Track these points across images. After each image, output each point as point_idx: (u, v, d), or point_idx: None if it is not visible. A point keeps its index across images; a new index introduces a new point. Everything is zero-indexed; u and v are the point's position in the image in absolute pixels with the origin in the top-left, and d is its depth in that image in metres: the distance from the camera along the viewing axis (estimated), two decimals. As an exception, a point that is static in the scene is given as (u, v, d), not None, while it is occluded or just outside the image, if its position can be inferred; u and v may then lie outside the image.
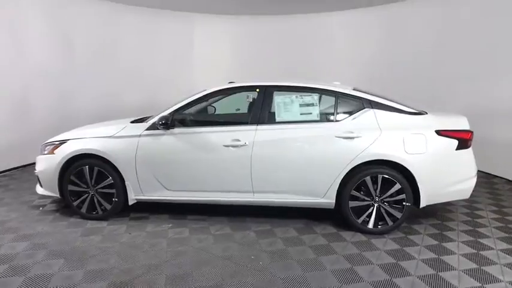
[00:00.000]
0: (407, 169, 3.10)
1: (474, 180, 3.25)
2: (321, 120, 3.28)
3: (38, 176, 3.63)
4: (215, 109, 4.16)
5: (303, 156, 3.20)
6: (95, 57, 6.66)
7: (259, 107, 3.35)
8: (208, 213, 3.66)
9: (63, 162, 3.44)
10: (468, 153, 3.22)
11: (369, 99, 3.28)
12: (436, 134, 3.14)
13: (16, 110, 5.47)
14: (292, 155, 3.21)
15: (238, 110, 4.03)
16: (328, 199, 3.25)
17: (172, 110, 3.41)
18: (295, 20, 7.62)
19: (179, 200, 3.45)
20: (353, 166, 3.14)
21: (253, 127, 3.29)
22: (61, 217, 3.60)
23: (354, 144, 3.15)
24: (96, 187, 3.46)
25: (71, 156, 3.43)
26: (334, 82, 3.84)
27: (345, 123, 3.22)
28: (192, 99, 3.44)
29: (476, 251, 2.93)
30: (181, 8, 7.20)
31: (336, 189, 3.21)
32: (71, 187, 3.49)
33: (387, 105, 3.26)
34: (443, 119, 3.40)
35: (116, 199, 3.46)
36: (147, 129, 3.39)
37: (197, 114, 3.68)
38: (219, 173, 3.31)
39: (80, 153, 3.42)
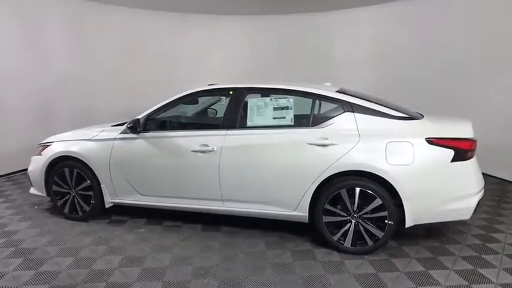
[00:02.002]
0: (389, 183, 2.70)
1: (476, 199, 2.72)
2: (294, 126, 2.99)
3: (29, 176, 3.81)
4: (216, 112, 4.05)
5: (272, 165, 2.94)
6: (117, 61, 6.91)
7: (231, 111, 3.15)
8: (184, 219, 3.56)
9: (47, 163, 3.56)
10: (468, 166, 2.71)
11: (349, 102, 2.92)
12: (426, 143, 2.69)
13: (38, 113, 5.86)
14: (261, 163, 2.96)
15: (213, 113, 3.87)
16: (300, 212, 2.95)
17: (146, 113, 3.35)
18: (300, 20, 7.22)
19: (151, 205, 3.38)
20: (326, 177, 2.81)
21: (223, 132, 3.10)
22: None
23: (328, 153, 2.81)
24: (76, 189, 3.53)
25: (53, 158, 3.53)
26: (325, 83, 3.52)
27: (320, 129, 2.89)
28: (164, 103, 3.35)
29: (467, 283, 2.44)
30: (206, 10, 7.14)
31: (309, 201, 2.90)
32: (55, 187, 3.60)
33: (370, 109, 2.87)
34: (439, 124, 2.91)
35: (93, 201, 3.49)
36: (121, 132, 3.37)
37: (169, 118, 3.58)
38: (188, 179, 3.17)
39: (60, 155, 3.51)
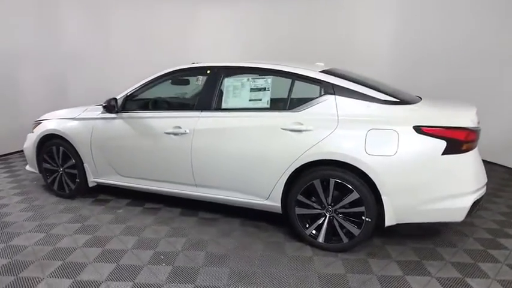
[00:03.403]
0: (368, 175, 2.40)
1: (471, 199, 2.34)
2: (270, 109, 2.75)
3: (25, 153, 3.93)
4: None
5: (244, 150, 2.73)
6: (134, 43, 6.93)
7: (206, 91, 2.96)
8: (165, 202, 3.48)
9: (38, 140, 3.63)
10: (463, 159, 2.32)
11: (331, 83, 2.61)
12: (414, 131, 2.34)
13: (51, 93, 6.06)
14: (233, 148, 2.76)
15: (186, 93, 3.69)
16: (272, 202, 2.74)
17: (125, 93, 3.27)
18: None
19: (129, 186, 3.33)
20: (299, 166, 2.56)
21: (197, 114, 2.93)
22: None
23: (302, 139, 2.55)
24: (64, 167, 3.58)
25: (42, 135, 3.58)
26: (317, 63, 3.21)
27: (296, 113, 2.63)
28: (142, 83, 3.23)
29: (447, 295, 2.12)
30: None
31: (281, 191, 2.67)
32: (45, 165, 3.67)
33: (354, 91, 2.55)
34: (434, 111, 2.52)
35: (78, 180, 3.52)
36: (102, 112, 3.32)
37: (147, 98, 3.46)
38: (162, 162, 3.06)
39: (48, 133, 3.55)
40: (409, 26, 5.90)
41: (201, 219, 3.16)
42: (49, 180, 3.70)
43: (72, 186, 3.58)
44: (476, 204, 2.39)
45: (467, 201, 2.34)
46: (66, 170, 3.57)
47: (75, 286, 2.18)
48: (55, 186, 3.67)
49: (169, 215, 3.24)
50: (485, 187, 2.49)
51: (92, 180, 3.49)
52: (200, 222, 3.10)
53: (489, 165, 4.99)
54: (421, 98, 2.80)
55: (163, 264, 2.42)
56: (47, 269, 2.36)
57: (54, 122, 3.59)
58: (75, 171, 3.52)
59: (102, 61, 6.67)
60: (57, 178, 3.64)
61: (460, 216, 2.36)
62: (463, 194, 2.34)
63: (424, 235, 2.87)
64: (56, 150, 3.55)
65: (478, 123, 2.46)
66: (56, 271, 2.34)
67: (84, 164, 3.44)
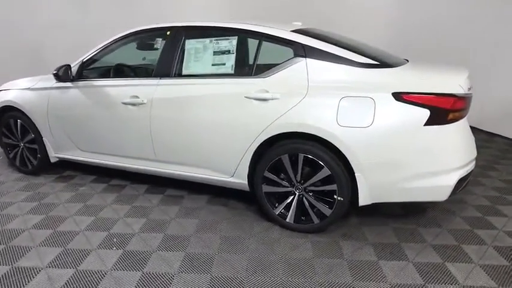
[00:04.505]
0: (339, 149, 2.11)
1: (456, 175, 2.05)
2: (234, 74, 2.43)
3: None
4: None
5: (206, 122, 2.43)
6: (114, 9, 6.46)
7: (166, 55, 2.63)
8: (132, 179, 3.25)
9: (-5, 112, 3.36)
10: (448, 131, 2.02)
11: (302, 44, 2.26)
12: (393, 99, 2.02)
13: (31, 60, 5.72)
14: (194, 120, 2.47)
15: (144, 58, 3.34)
16: (238, 179, 2.48)
17: (80, 59, 2.94)
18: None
19: (91, 162, 3.08)
20: (265, 138, 2.28)
21: (155, 81, 2.61)
22: None
23: (267, 109, 2.25)
24: (24, 141, 3.33)
25: (-1, 107, 3.31)
26: (294, 22, 2.83)
27: (261, 79, 2.31)
28: (98, 48, 2.89)
29: (422, 282, 1.89)
30: None
31: (247, 167, 2.41)
32: (5, 139, 3.43)
33: (327, 53, 2.20)
34: (417, 74, 2.18)
35: (39, 155, 3.28)
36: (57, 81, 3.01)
37: (103, 64, 3.13)
38: (121, 136, 2.78)
39: (3, 105, 3.27)
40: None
41: (167, 196, 2.93)
42: (11, 156, 3.46)
43: (34, 162, 3.34)
44: (462, 181, 2.12)
45: (452, 179, 2.06)
46: (27, 145, 3.32)
47: (12, 274, 1.99)
48: (17, 162, 3.43)
49: (133, 193, 3.01)
50: (473, 162, 2.21)
51: (54, 155, 3.24)
52: (165, 200, 2.87)
53: (488, 136, 4.68)
54: (407, 61, 2.46)
55: (114, 248, 2.21)
56: (-14, 253, 2.17)
57: (11, 92, 3.29)
58: (34, 146, 3.27)
59: (82, 28, 6.25)
60: (19, 153, 3.40)
61: (443, 195, 2.09)
62: (447, 170, 2.05)
63: (408, 214, 2.62)
64: (14, 124, 3.29)
65: (469, 89, 2.13)
66: (-5, 256, 2.15)
67: (44, 139, 3.18)
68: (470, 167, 2.17)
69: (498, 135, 4.71)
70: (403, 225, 2.48)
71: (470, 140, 2.18)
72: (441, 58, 4.15)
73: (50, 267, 2.04)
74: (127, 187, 3.14)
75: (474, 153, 2.19)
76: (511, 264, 2.05)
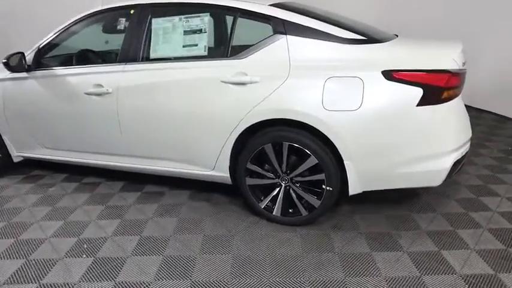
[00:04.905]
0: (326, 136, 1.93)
1: (451, 159, 1.91)
2: (208, 56, 2.19)
3: None
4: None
5: (179, 112, 2.21)
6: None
7: (130, 38, 2.36)
8: (108, 176, 3.01)
9: None
10: (442, 111, 1.86)
11: (281, 20, 2.03)
12: (383, 77, 1.84)
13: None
14: (166, 109, 2.24)
15: (107, 42, 3.05)
16: (219, 172, 2.28)
17: (36, 45, 2.63)
18: None
19: (58, 160, 2.83)
20: (246, 127, 2.07)
21: (120, 67, 2.35)
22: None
23: (247, 94, 2.03)
24: (-19, 140, 3.03)
25: None
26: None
27: (238, 60, 2.08)
28: (56, 32, 2.59)
29: (418, 274, 1.77)
30: None
31: (228, 159, 2.21)
32: (-39, 138, 3.11)
33: (309, 29, 1.99)
34: (410, 50, 2.00)
35: (0, 155, 2.99)
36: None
37: (63, 51, 2.82)
38: (86, 130, 2.53)
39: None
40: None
41: (145, 194, 2.72)
42: (-29, 157, 3.16)
43: (-4, 163, 3.06)
44: (457, 164, 1.98)
45: (447, 162, 1.91)
46: (-15, 144, 3.03)
47: (-33, 292, 1.77)
48: (-23, 163, 3.15)
49: (108, 191, 2.78)
50: (468, 143, 2.07)
51: (16, 154, 2.96)
52: (143, 198, 2.65)
53: (476, 112, 4.59)
54: (397, 36, 2.27)
55: (84, 255, 2.00)
56: None
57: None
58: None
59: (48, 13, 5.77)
60: (-23, 154, 3.10)
61: (438, 180, 1.95)
62: (442, 153, 1.90)
63: (401, 199, 2.49)
64: (-33, 121, 2.98)
65: (464, 64, 1.96)
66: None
67: (3, 136, 2.89)
68: (465, 148, 2.03)
69: (486, 111, 4.64)
70: (396, 212, 2.35)
71: (465, 119, 2.03)
72: (431, 33, 3.98)
73: (8, 283, 1.82)
74: (101, 185, 2.90)
75: (469, 134, 2.05)
76: (507, 248, 1.95)
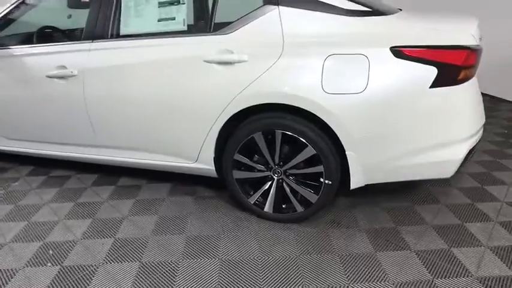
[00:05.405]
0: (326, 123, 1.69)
1: (465, 147, 1.70)
2: (188, 32, 1.89)
3: None
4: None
5: (155, 96, 1.92)
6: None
7: (97, 11, 2.02)
8: (80, 168, 2.71)
9: None
10: (460, 94, 1.63)
11: (273, -12, 1.75)
12: (392, 55, 1.59)
13: None
14: (140, 93, 1.94)
15: (70, 16, 2.70)
16: (203, 164, 2.03)
17: (-12, 20, 2.27)
18: None
19: (22, 152, 2.51)
20: (233, 113, 1.81)
21: (86, 46, 2.03)
22: None
23: (234, 75, 1.75)
24: None
25: None
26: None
27: (223, 35, 1.79)
28: (10, 5, 2.22)
29: (431, 277, 1.59)
30: None
31: (213, 150, 1.95)
32: None
33: (306, -2, 1.71)
34: (422, 23, 1.75)
35: (-43, 146, 2.65)
36: (-40, 51, 2.33)
37: (21, 27, 2.46)
38: (51, 118, 2.21)
39: None
40: None
41: (120, 188, 2.44)
42: None
43: (-47, 155, 2.71)
44: (469, 153, 1.77)
45: (461, 151, 1.70)
46: None
47: None
48: None
49: (79, 186, 2.49)
50: (482, 129, 1.87)
51: (-24, 146, 2.62)
52: (117, 192, 2.38)
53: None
54: (401, 10, 2.01)
55: (49, 264, 1.73)
56: None
57: None
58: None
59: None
60: None
61: (449, 171, 1.75)
62: (456, 141, 1.69)
63: (401, 189, 2.30)
64: None
65: (480, 39, 1.74)
66: None
67: (-41, 126, 2.54)
68: (479, 135, 1.83)
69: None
70: (397, 204, 2.16)
71: (480, 103, 1.82)
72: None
73: (-44, 301, 1.55)
74: (71, 179, 2.60)
75: (483, 119, 1.85)
76: (523, 244, 1.79)
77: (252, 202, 1.99)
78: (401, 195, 2.24)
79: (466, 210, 2.07)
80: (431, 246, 1.78)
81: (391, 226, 1.95)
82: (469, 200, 2.18)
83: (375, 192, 2.24)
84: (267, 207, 1.96)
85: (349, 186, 1.80)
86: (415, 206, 2.13)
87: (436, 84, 1.58)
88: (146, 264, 1.71)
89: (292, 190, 1.89)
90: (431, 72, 1.58)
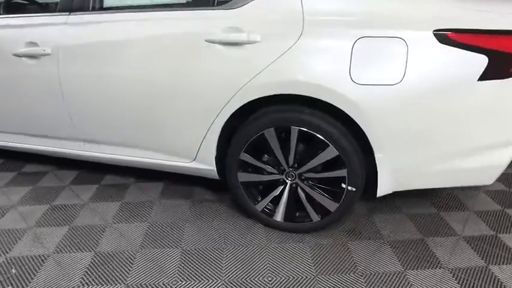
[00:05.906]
0: (353, 119, 1.41)
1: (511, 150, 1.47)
2: (187, 5, 1.58)
3: None
4: None
5: (145, 82, 1.60)
6: None
7: (75, -22, 1.68)
8: (59, 164, 2.38)
9: None
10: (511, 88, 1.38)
11: (292, -47, 1.44)
12: (435, 40, 1.31)
13: None
14: (127, 79, 1.62)
15: None
16: (202, 164, 1.73)
17: None
18: None
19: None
20: (240, 105, 1.51)
21: (62, 19, 1.68)
22: None
23: (242, 59, 1.45)
24: None
25: None
26: None
27: (229, 10, 1.47)
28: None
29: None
30: None
31: (215, 147, 1.66)
32: None
33: (331, -32, 1.41)
34: (470, 3, 1.46)
35: None
36: None
37: None
38: (19, 106, 1.87)
39: None
40: None
41: (104, 187, 2.13)
42: None
43: None
44: (514, 157, 1.53)
45: (507, 155, 1.46)
46: None
47: None
48: None
49: (55, 184, 2.16)
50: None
51: None
52: (100, 193, 2.06)
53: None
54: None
55: (10, 287, 1.42)
56: None
57: None
58: None
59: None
60: None
61: (491, 178, 1.49)
62: (502, 144, 1.44)
63: (419, 192, 2.06)
64: None
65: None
66: None
67: None
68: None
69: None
70: (420, 210, 1.91)
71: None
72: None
73: None
74: (47, 175, 2.27)
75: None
76: None
77: (260, 209, 1.71)
78: (421, 199, 2.00)
79: (497, 219, 1.84)
80: (466, 263, 1.55)
81: (418, 238, 1.70)
82: (499, 206, 1.95)
83: (392, 194, 1.99)
84: (278, 215, 1.69)
85: (375, 193, 1.54)
86: (440, 213, 1.89)
87: (485, 76, 1.31)
88: (132, 287, 1.42)
89: (308, 196, 1.62)
90: (482, 61, 1.30)
